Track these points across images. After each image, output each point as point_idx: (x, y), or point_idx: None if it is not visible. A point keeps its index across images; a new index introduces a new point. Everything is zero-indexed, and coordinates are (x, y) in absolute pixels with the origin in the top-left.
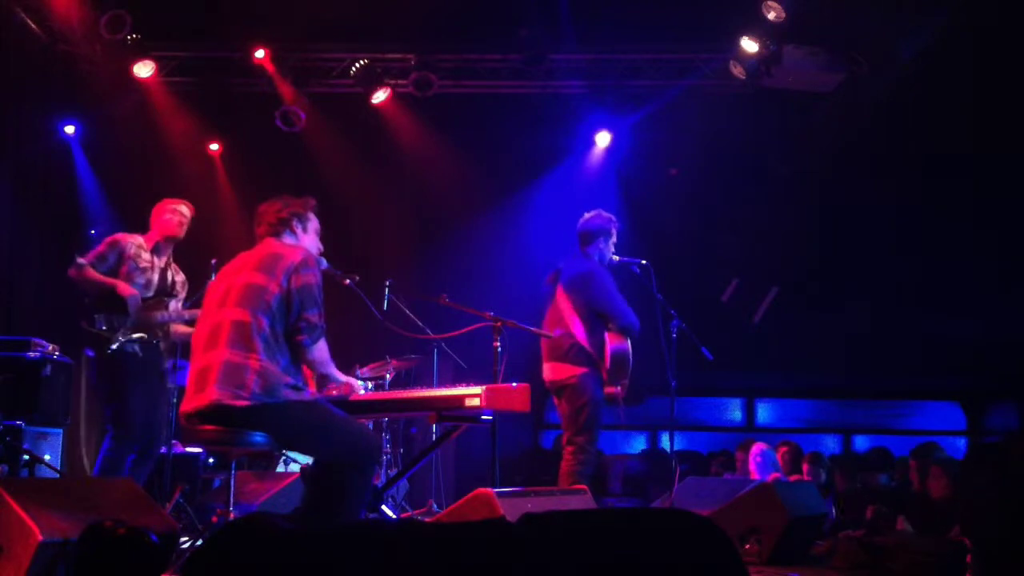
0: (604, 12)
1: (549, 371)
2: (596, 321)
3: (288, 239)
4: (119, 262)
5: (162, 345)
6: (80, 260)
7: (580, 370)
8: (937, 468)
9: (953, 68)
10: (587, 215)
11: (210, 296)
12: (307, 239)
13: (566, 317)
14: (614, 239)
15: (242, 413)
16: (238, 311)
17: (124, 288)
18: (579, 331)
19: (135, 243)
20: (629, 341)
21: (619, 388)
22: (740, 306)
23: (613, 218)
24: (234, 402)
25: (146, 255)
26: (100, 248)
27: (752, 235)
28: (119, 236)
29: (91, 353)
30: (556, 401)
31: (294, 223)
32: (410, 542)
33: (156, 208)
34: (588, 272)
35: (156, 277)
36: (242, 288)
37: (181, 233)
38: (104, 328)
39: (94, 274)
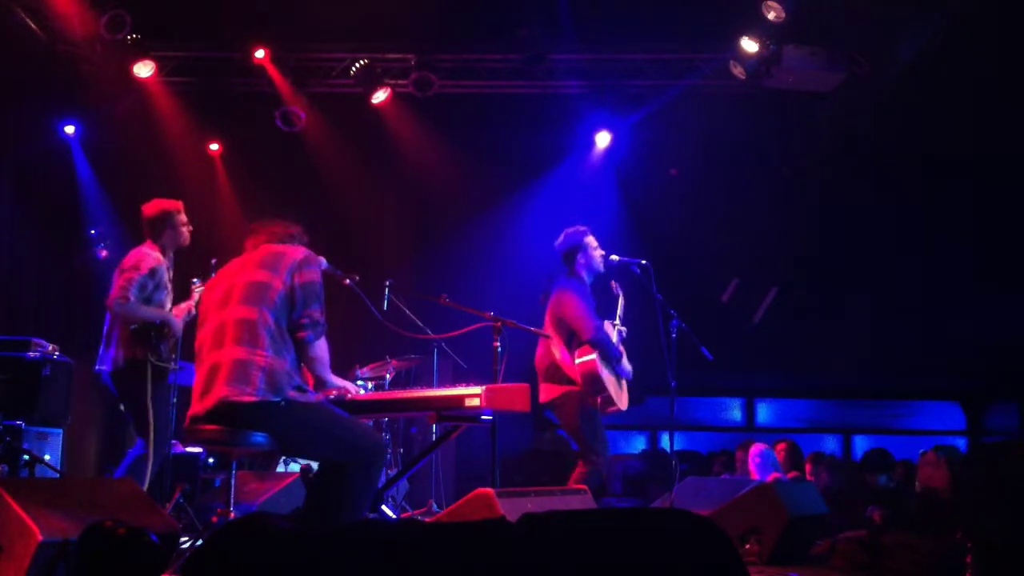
0: (604, 12)
1: (540, 392)
2: (572, 338)
3: (288, 244)
4: (154, 289)
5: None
6: (130, 297)
7: (563, 389)
8: (942, 462)
9: (953, 68)
10: (558, 240)
11: (209, 298)
12: None
13: (551, 337)
14: (594, 245)
15: (247, 409)
16: (243, 308)
17: (176, 323)
18: (559, 349)
19: (164, 266)
20: (597, 354)
21: (601, 402)
22: (740, 306)
23: (581, 228)
24: (241, 398)
25: (167, 275)
26: (137, 277)
27: (752, 235)
28: (152, 263)
29: (109, 375)
30: (557, 419)
31: (297, 240)
32: (410, 542)
33: (160, 217)
34: (558, 290)
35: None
36: (245, 286)
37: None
38: (167, 358)
39: (144, 310)
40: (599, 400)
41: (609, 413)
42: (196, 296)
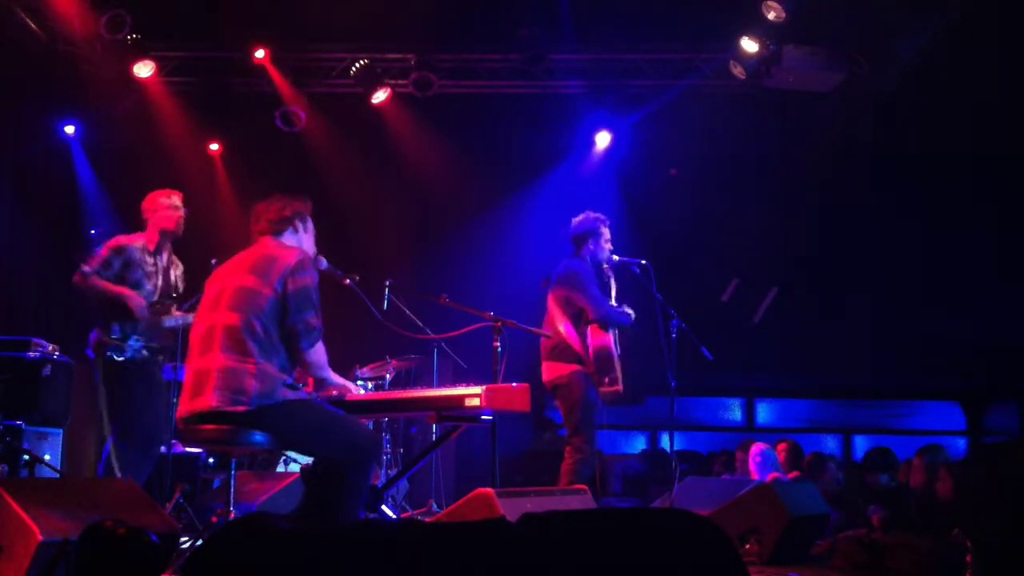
0: (604, 12)
1: (544, 371)
2: (579, 318)
3: (288, 239)
4: (124, 268)
5: (162, 351)
6: (85, 268)
7: (569, 368)
8: (945, 471)
9: (953, 67)
10: (575, 219)
11: (205, 297)
12: (307, 239)
13: (555, 317)
14: (606, 237)
15: (242, 418)
16: (230, 315)
17: (134, 300)
18: (565, 329)
19: (138, 247)
20: (612, 334)
21: (608, 382)
22: (740, 306)
23: (601, 217)
24: (233, 408)
25: (150, 259)
26: (104, 254)
27: (752, 235)
28: (122, 241)
29: (92, 354)
30: (557, 401)
31: (296, 222)
32: (410, 542)
33: (149, 202)
34: (567, 269)
35: (160, 280)
36: (235, 291)
37: (181, 229)
38: (118, 336)
39: (100, 282)
40: (605, 380)
41: (608, 395)
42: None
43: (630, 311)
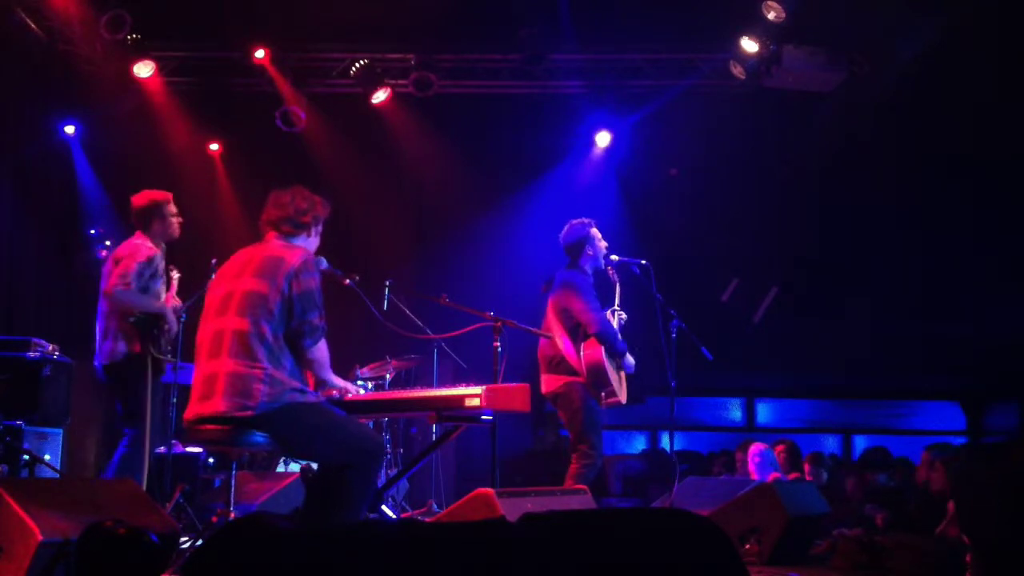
0: (604, 12)
1: (542, 383)
2: (577, 330)
3: (298, 242)
4: (150, 279)
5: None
6: (132, 285)
7: (566, 379)
8: (939, 463)
9: (953, 68)
10: (563, 232)
11: (211, 299)
12: (314, 242)
13: (553, 327)
14: (599, 239)
15: (247, 422)
16: (239, 320)
17: (171, 317)
18: (563, 343)
19: (159, 256)
20: (604, 349)
21: (604, 396)
22: (740, 306)
23: (586, 220)
24: (240, 414)
25: (162, 266)
26: (134, 265)
27: (752, 235)
28: (147, 251)
29: (125, 367)
30: (558, 412)
31: (312, 228)
32: (410, 542)
33: (150, 208)
34: (567, 282)
35: (166, 283)
36: (243, 295)
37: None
38: (164, 349)
39: (142, 300)
40: (601, 395)
41: (609, 405)
42: (176, 286)
43: (631, 361)
